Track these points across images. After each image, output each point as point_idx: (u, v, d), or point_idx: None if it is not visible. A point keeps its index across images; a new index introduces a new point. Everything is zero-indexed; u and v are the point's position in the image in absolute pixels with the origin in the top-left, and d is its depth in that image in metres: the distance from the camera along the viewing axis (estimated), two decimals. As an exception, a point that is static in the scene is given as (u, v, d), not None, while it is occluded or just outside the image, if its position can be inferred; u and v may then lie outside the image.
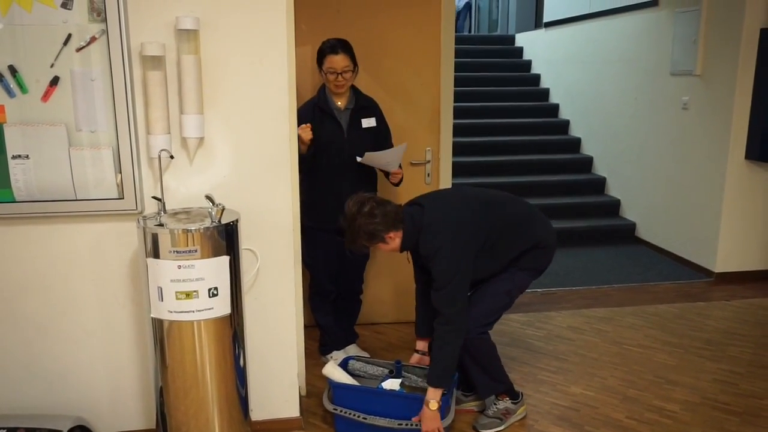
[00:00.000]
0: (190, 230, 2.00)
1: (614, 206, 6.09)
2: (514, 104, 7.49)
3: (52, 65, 2.17)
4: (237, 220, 2.15)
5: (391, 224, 2.39)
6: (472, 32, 11.23)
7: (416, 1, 3.42)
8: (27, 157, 2.20)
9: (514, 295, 2.62)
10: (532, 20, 8.32)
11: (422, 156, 3.57)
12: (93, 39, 2.17)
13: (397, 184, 3.14)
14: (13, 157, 2.19)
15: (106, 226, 2.32)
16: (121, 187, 2.26)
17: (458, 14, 11.26)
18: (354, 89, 3.05)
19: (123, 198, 2.27)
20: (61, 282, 2.34)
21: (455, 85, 3.75)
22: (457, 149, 5.00)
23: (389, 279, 3.72)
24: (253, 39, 2.27)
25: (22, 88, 2.17)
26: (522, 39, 8.60)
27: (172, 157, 2.18)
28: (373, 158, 2.91)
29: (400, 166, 3.06)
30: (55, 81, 2.18)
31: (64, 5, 2.14)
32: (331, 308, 3.24)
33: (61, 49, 2.16)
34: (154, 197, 2.21)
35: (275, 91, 2.32)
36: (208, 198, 2.10)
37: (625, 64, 5.84)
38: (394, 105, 3.49)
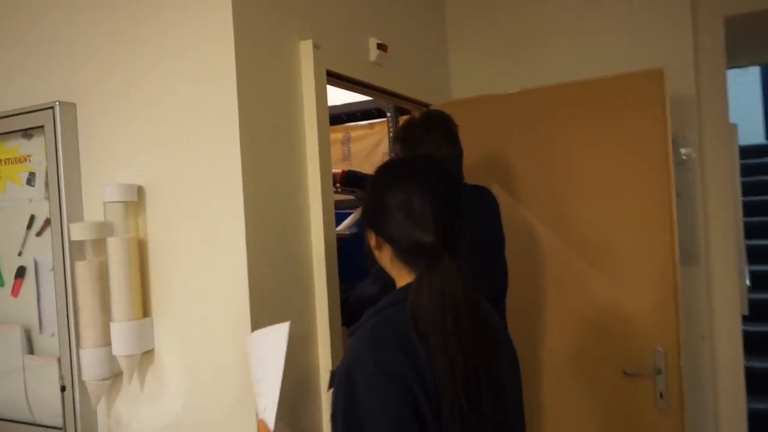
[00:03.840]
0: None
1: None
2: None
3: (20, 253, 1.78)
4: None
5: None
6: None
7: (628, 110, 2.16)
8: (-14, 366, 1.81)
9: None
10: None
11: (648, 361, 2.10)
12: (47, 221, 1.72)
13: None
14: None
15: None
16: (63, 412, 1.67)
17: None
18: None
19: (64, 429, 1.67)
20: None
21: (747, 214, 2.25)
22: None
23: None
24: (203, 209, 1.50)
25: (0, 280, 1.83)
26: None
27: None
28: None
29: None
30: (20, 272, 1.78)
31: (29, 182, 1.76)
32: None
33: (27, 234, 1.77)
34: (70, 439, 1.55)
35: (234, 285, 1.46)
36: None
37: None
38: (592, 272, 2.19)
